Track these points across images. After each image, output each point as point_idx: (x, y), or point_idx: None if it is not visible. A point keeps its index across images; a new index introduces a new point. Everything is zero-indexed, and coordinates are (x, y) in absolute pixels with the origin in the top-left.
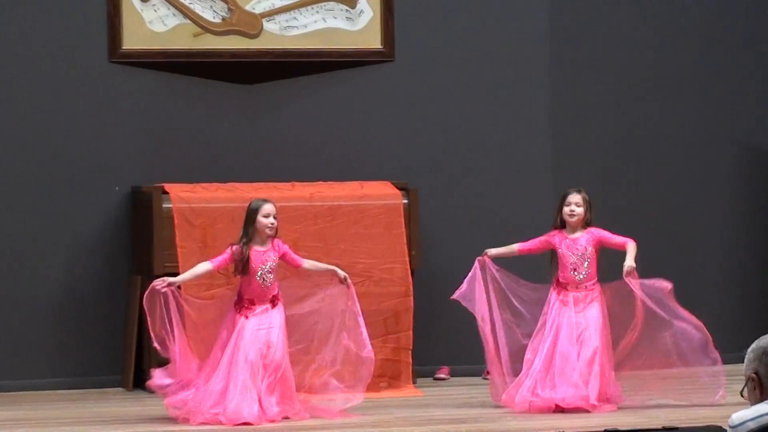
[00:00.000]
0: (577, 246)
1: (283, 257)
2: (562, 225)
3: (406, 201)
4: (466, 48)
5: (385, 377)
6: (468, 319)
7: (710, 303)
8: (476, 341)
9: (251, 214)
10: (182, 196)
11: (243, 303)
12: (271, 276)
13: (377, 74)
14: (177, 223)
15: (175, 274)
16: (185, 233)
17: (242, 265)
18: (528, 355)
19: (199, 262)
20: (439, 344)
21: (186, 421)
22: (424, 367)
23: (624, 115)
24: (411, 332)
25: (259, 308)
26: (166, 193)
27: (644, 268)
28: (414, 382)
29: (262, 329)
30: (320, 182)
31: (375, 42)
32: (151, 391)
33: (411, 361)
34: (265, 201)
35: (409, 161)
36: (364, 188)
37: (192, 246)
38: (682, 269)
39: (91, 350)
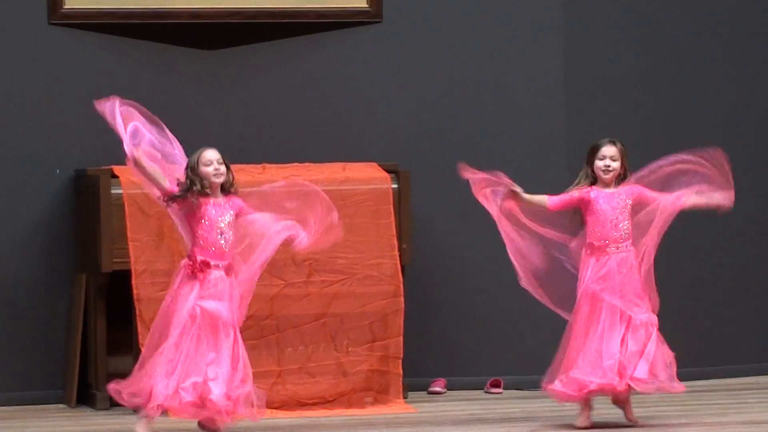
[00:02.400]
0: (618, 199)
1: (239, 213)
2: (592, 181)
3: (395, 185)
4: (466, 7)
5: (371, 391)
6: (467, 325)
7: (738, 302)
8: (476, 349)
9: (192, 169)
10: (134, 181)
11: (195, 264)
12: (231, 234)
13: (362, 37)
14: (128, 212)
15: (126, 272)
16: (138, 224)
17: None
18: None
19: (154, 257)
20: (434, 353)
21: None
22: (416, 379)
23: (647, 88)
24: (401, 339)
25: (214, 273)
26: (115, 176)
27: (660, 262)
28: (405, 397)
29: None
30: (296, 164)
31: (359, 0)
32: (98, 408)
33: (401, 372)
34: (206, 148)
35: (399, 139)
36: (346, 170)
37: (146, 238)
38: (702, 263)
39: (29, 361)
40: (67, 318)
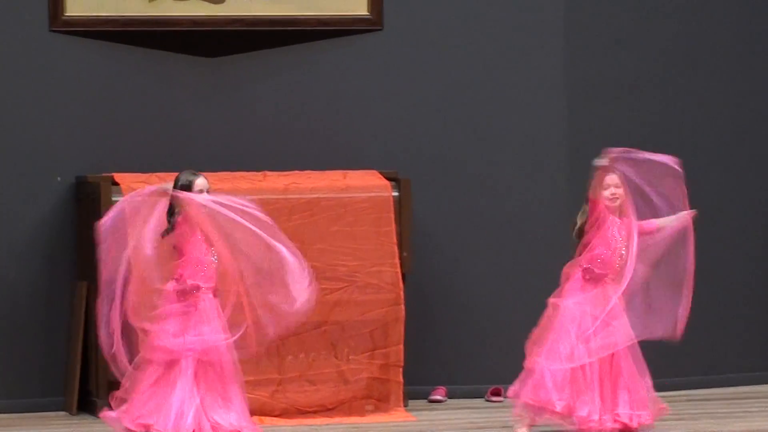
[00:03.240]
0: (624, 230)
1: None
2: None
3: (396, 193)
4: (466, 14)
5: (371, 399)
6: (468, 333)
7: (737, 311)
8: (476, 357)
9: (182, 187)
10: (135, 188)
11: (186, 287)
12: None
13: (363, 45)
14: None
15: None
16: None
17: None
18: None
19: None
20: (435, 361)
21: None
22: (416, 388)
23: (651, 95)
24: (402, 347)
25: (204, 297)
26: (116, 184)
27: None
28: (405, 405)
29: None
30: (296, 171)
31: (360, 8)
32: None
33: (402, 380)
34: (195, 175)
35: (400, 147)
36: (347, 178)
37: None
38: (711, 276)
39: (29, 368)
40: (68, 326)
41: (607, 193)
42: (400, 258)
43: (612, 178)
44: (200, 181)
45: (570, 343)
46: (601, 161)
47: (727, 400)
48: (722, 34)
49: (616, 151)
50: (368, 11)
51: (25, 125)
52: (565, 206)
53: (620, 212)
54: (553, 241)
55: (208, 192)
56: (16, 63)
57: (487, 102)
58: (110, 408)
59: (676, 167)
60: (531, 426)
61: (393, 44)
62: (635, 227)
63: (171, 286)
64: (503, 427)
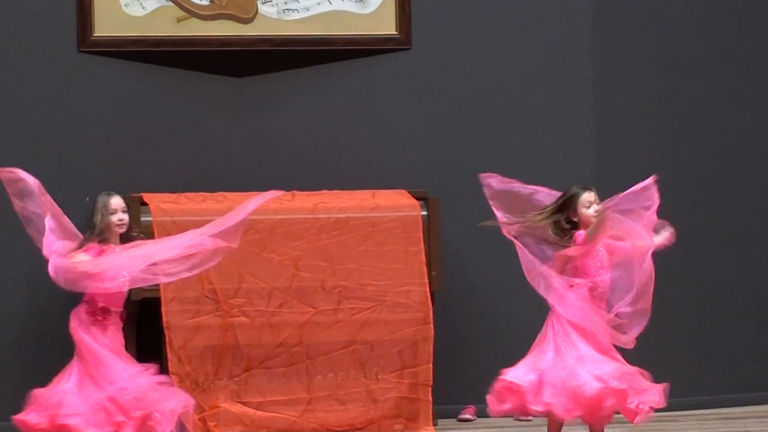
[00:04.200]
0: (600, 252)
1: None
2: (569, 228)
3: (425, 212)
4: (495, 34)
5: (401, 418)
6: (497, 352)
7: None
8: None
9: (96, 210)
10: (164, 208)
11: (96, 313)
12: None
13: (391, 64)
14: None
15: (156, 300)
16: None
17: None
18: None
19: (183, 284)
20: (464, 380)
21: None
22: (446, 407)
23: (680, 114)
24: (431, 366)
25: (111, 322)
26: (144, 204)
27: (693, 282)
28: (434, 424)
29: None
30: (324, 191)
31: (389, 27)
32: None
33: (431, 399)
34: (110, 194)
35: (429, 166)
36: (375, 198)
37: None
38: (740, 287)
39: None
40: None
41: (587, 211)
42: (429, 277)
43: (590, 195)
44: (115, 201)
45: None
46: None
47: (725, 420)
48: (757, 52)
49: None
50: (397, 31)
51: (54, 146)
52: None
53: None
54: None
55: (123, 211)
56: (45, 84)
57: (515, 121)
58: None
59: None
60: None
61: (421, 63)
62: (647, 245)
63: (80, 308)
64: None
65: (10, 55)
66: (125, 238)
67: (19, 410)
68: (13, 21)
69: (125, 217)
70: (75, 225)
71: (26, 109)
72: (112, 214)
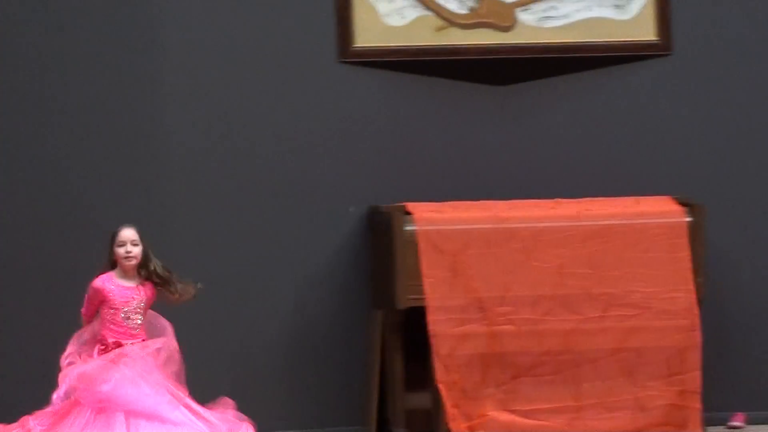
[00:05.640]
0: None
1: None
2: None
3: (690, 219)
4: (760, 36)
5: (669, 426)
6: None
7: None
8: None
9: (110, 242)
10: (428, 217)
11: (108, 347)
12: (139, 318)
13: (652, 70)
14: (422, 249)
15: (422, 308)
16: (432, 260)
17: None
18: None
19: (449, 292)
20: (732, 387)
21: None
22: (714, 414)
23: None
24: (699, 373)
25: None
26: (408, 213)
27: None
28: None
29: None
30: (588, 198)
31: (648, 33)
32: None
33: (700, 406)
34: (124, 226)
35: (693, 172)
36: (640, 204)
37: (440, 275)
38: None
39: (328, 397)
40: (365, 354)
41: None
42: (696, 284)
43: None
44: (124, 233)
45: None
46: None
47: None
48: None
49: None
50: (657, 36)
51: (318, 156)
52: None
53: None
54: None
55: (133, 244)
56: (306, 95)
57: None
58: None
59: None
60: None
61: (683, 68)
62: None
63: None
64: None
65: (272, 67)
66: (145, 273)
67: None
68: (275, 33)
69: (133, 250)
70: (337, 237)
71: (288, 120)
72: (119, 246)
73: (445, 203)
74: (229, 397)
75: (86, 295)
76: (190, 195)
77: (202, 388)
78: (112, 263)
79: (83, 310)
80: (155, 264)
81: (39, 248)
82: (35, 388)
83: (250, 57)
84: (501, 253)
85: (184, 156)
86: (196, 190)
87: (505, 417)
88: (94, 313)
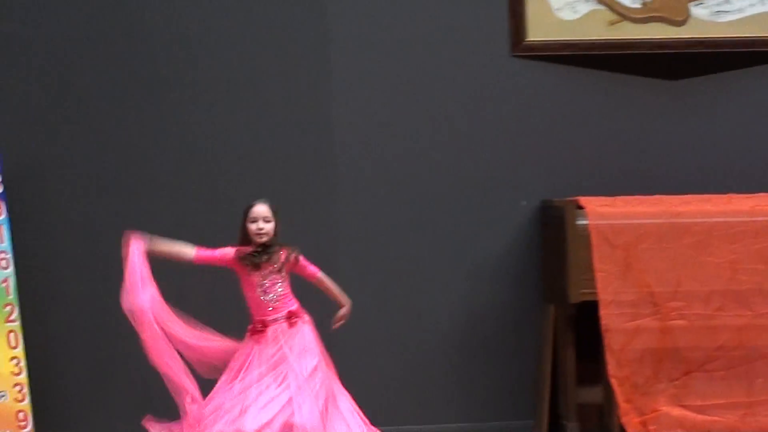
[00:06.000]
0: None
1: (292, 268)
2: None
3: None
4: None
5: None
6: None
7: None
8: None
9: (243, 217)
10: (600, 212)
11: (255, 326)
12: (277, 289)
13: None
14: (594, 243)
15: (594, 303)
16: (604, 254)
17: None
18: None
19: (621, 287)
20: None
21: None
22: None
23: None
24: None
25: (272, 329)
26: (581, 207)
27: None
28: None
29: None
30: (762, 194)
31: None
32: None
33: None
34: (257, 201)
35: None
36: None
37: (612, 269)
38: None
39: (500, 392)
40: (537, 349)
41: None
42: None
43: None
44: (256, 209)
45: None
46: None
47: None
48: None
49: None
50: None
51: (490, 150)
52: None
53: None
54: None
55: (265, 220)
56: (479, 88)
57: None
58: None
59: None
60: None
61: None
62: None
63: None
64: None
65: (445, 61)
66: (269, 252)
67: (458, 414)
68: (449, 27)
69: (265, 226)
70: (509, 231)
71: (461, 114)
72: (251, 222)
73: (618, 197)
74: (400, 389)
75: (218, 249)
76: (363, 187)
77: (374, 380)
78: (244, 238)
79: (205, 250)
80: (280, 244)
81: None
82: None
83: (424, 51)
84: (673, 247)
85: (357, 147)
86: (369, 182)
87: (677, 412)
88: (208, 262)
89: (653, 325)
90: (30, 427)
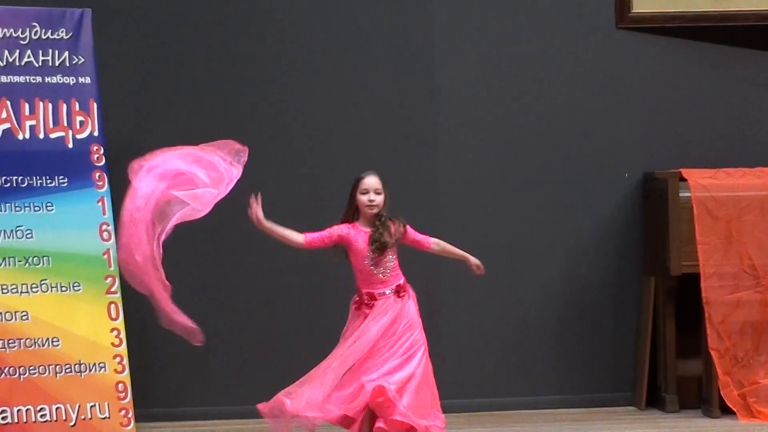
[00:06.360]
0: None
1: (404, 239)
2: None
3: None
4: None
5: None
6: None
7: None
8: None
9: (352, 188)
10: (703, 184)
11: (363, 298)
12: (388, 263)
13: None
14: (697, 215)
15: (695, 275)
16: (706, 227)
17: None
18: None
19: (723, 259)
20: None
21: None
22: None
23: None
24: None
25: (380, 302)
26: (683, 180)
27: None
28: None
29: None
30: None
31: None
32: (668, 411)
33: None
34: (368, 173)
35: None
36: None
37: (714, 242)
38: None
39: (599, 363)
40: (637, 321)
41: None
42: None
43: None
44: (368, 181)
45: None
46: None
47: None
48: None
49: None
50: None
51: (594, 122)
52: None
53: None
54: None
55: (376, 192)
56: (584, 61)
57: None
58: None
59: None
60: None
61: None
62: None
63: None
64: None
65: (551, 34)
66: (379, 224)
67: (558, 386)
68: (555, 0)
69: (376, 198)
70: (611, 203)
71: (566, 86)
72: (363, 193)
73: (720, 170)
74: (502, 361)
75: (325, 231)
76: (466, 160)
77: (476, 352)
78: (352, 210)
79: (313, 234)
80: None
81: None
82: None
83: (529, 24)
84: None
85: (460, 120)
86: (472, 154)
87: None
88: (319, 246)
89: (754, 297)
90: (129, 398)
